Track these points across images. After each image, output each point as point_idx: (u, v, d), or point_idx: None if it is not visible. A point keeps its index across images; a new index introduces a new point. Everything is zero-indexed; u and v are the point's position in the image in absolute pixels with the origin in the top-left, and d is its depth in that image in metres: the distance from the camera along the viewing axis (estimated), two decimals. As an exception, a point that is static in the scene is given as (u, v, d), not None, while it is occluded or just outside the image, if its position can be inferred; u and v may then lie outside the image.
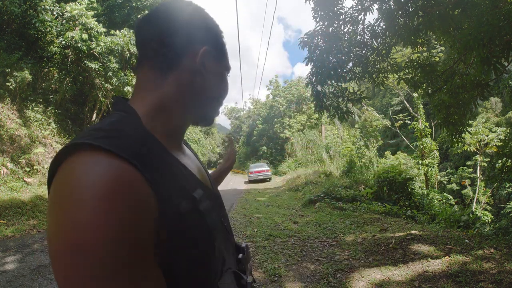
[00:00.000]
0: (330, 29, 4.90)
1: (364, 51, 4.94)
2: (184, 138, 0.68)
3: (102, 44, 9.89)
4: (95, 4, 11.16)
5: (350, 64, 5.07)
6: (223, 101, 0.66)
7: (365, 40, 4.95)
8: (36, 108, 9.60)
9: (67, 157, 0.39)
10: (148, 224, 0.39)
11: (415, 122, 12.97)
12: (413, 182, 8.83)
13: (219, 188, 0.91)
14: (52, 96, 10.28)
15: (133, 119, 0.50)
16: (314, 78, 4.93)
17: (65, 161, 0.39)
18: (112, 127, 0.45)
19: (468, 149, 12.21)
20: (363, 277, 3.12)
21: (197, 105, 0.59)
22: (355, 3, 4.83)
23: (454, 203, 10.53)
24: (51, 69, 10.42)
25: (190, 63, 0.56)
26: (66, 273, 0.34)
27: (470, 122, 5.43)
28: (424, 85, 5.04)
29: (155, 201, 0.40)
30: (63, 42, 9.55)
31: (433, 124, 13.23)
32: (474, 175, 14.55)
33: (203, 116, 0.63)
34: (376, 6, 4.75)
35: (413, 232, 4.35)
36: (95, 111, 11.62)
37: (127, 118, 0.50)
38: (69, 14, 9.59)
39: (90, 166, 0.37)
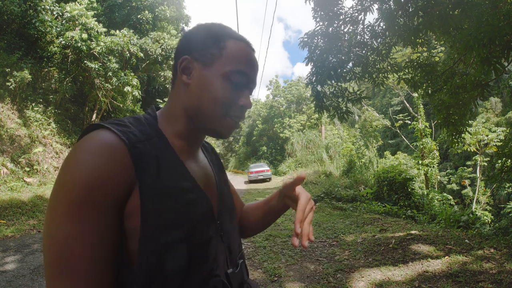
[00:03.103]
0: (330, 29, 4.91)
1: (364, 51, 4.94)
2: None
3: (102, 44, 9.90)
4: (95, 4, 11.17)
5: (350, 64, 5.08)
6: (227, 111, 0.60)
7: (365, 40, 4.95)
8: (36, 108, 9.60)
9: (89, 132, 0.53)
10: (114, 179, 0.49)
11: (415, 122, 12.98)
12: (413, 182, 8.84)
13: None
14: (52, 96, 10.28)
15: (149, 120, 0.62)
16: (314, 78, 4.94)
17: (87, 134, 0.53)
18: (125, 120, 0.58)
19: (468, 149, 12.22)
20: (363, 277, 3.13)
21: (191, 114, 0.62)
22: (355, 3, 4.83)
23: (454, 203, 10.54)
24: (51, 69, 10.42)
25: (179, 74, 0.63)
26: (49, 205, 0.49)
27: (470, 122, 5.43)
28: (424, 85, 5.05)
29: (133, 168, 0.51)
30: (63, 42, 9.55)
31: (433, 124, 13.24)
32: (474, 175, 14.56)
33: (206, 128, 0.62)
34: (376, 6, 4.75)
35: (413, 232, 4.35)
36: (95, 111, 11.62)
37: (146, 118, 0.62)
38: (69, 14, 9.59)
39: (95, 134, 0.52)
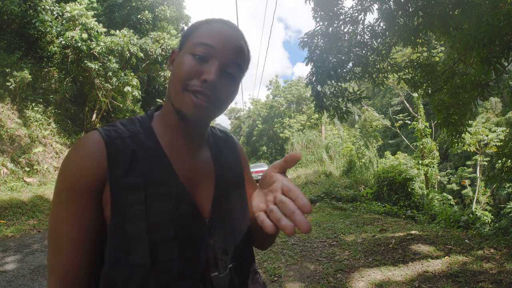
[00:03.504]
0: (330, 29, 4.90)
1: (364, 51, 4.94)
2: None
3: (102, 44, 9.89)
4: (95, 4, 11.16)
5: (350, 64, 5.07)
6: (186, 85, 0.56)
7: (365, 40, 4.95)
8: (36, 108, 9.59)
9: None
10: (90, 169, 0.55)
11: (415, 122, 12.97)
12: (413, 182, 8.84)
13: None
14: (52, 96, 10.28)
15: (143, 119, 0.65)
16: (314, 78, 4.93)
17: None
18: (118, 121, 0.63)
19: (468, 149, 12.21)
20: (363, 277, 3.12)
21: (169, 101, 0.62)
22: (355, 3, 4.83)
23: (454, 203, 10.54)
24: (51, 69, 10.42)
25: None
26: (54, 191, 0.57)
27: (470, 122, 5.43)
28: (424, 85, 5.05)
29: (106, 162, 0.55)
30: (63, 42, 9.55)
31: (433, 124, 13.23)
32: (474, 175, 14.55)
33: (176, 110, 0.59)
34: (376, 6, 4.75)
35: (413, 232, 4.35)
36: (95, 111, 11.62)
37: (142, 117, 0.66)
38: (69, 14, 9.59)
39: (86, 135, 0.59)
